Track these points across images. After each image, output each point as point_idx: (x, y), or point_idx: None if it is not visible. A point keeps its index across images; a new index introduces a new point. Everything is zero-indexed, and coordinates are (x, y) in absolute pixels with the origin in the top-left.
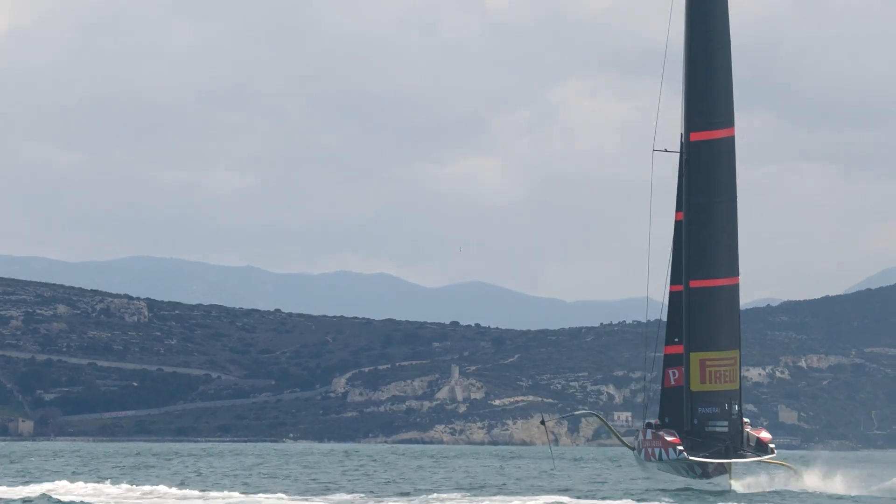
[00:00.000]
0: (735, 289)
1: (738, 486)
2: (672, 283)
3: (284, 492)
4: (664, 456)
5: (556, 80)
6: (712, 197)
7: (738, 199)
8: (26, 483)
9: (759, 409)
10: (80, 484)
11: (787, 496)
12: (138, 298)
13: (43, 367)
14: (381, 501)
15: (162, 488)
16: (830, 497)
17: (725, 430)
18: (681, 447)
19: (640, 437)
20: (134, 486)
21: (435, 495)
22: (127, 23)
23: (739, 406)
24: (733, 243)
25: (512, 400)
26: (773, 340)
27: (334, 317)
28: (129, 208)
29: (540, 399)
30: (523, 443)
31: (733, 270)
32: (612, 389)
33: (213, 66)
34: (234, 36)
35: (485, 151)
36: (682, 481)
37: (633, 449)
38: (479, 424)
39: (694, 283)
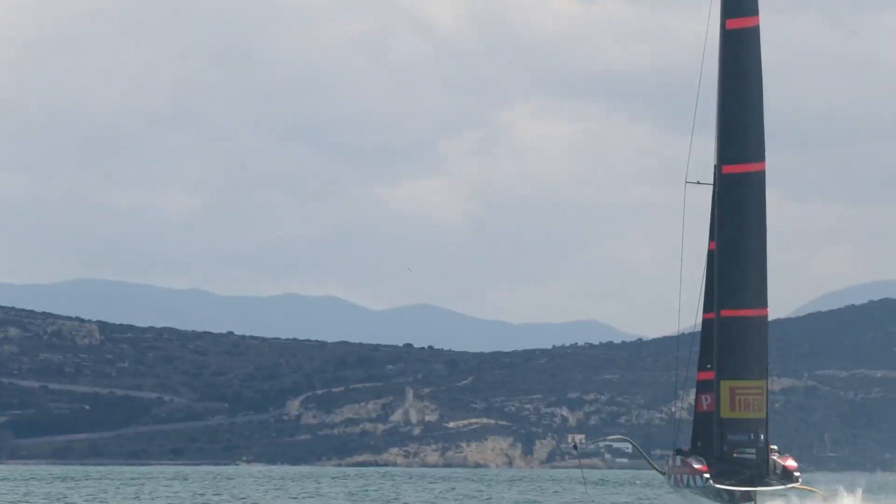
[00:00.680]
0: (764, 320)
1: None
2: (705, 311)
3: None
4: (691, 483)
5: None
6: (743, 230)
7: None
8: None
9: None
10: None
11: None
12: (90, 321)
13: None
14: None
15: None
16: None
17: (753, 457)
18: (707, 475)
19: (670, 462)
20: None
21: None
22: (72, 45)
23: (766, 434)
24: (763, 275)
25: (466, 422)
26: None
27: (287, 339)
28: (74, 230)
29: (494, 421)
30: (477, 465)
31: (762, 302)
32: (565, 412)
33: (161, 89)
34: (183, 58)
35: (433, 174)
36: None
37: (663, 474)
38: (433, 447)
39: (725, 313)
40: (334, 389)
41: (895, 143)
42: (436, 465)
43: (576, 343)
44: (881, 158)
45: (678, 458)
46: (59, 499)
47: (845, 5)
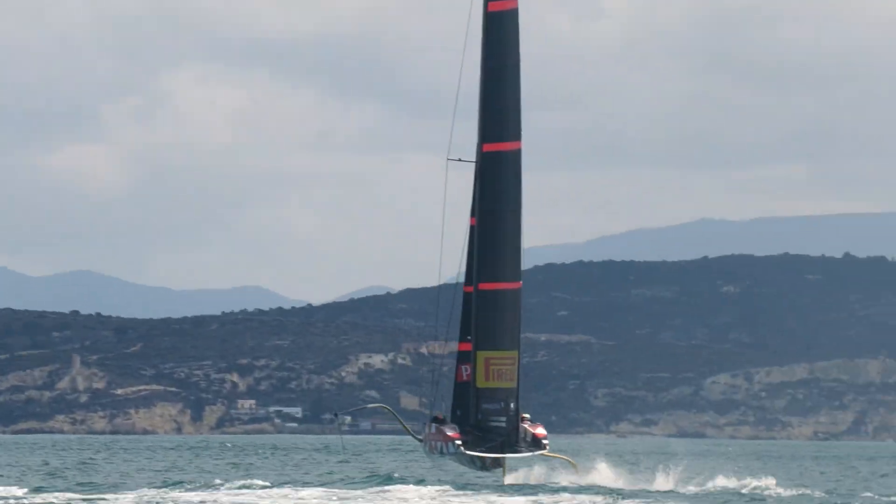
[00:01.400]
0: (518, 293)
1: (510, 479)
2: (465, 284)
3: None
4: (444, 450)
5: (169, 67)
6: (500, 205)
7: None
8: None
9: (382, 395)
10: None
11: (546, 489)
12: None
13: None
14: None
15: None
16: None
17: (504, 425)
18: (458, 442)
19: (427, 430)
20: None
21: None
22: None
23: (516, 403)
24: (517, 250)
25: (135, 389)
26: (394, 328)
27: None
28: None
29: (163, 388)
30: (145, 432)
31: (517, 275)
32: (235, 377)
33: None
34: None
35: (94, 139)
36: (466, 472)
37: (420, 441)
38: (100, 414)
39: (482, 286)
40: None
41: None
42: (103, 433)
43: (245, 309)
44: None
45: (433, 425)
46: None
47: None
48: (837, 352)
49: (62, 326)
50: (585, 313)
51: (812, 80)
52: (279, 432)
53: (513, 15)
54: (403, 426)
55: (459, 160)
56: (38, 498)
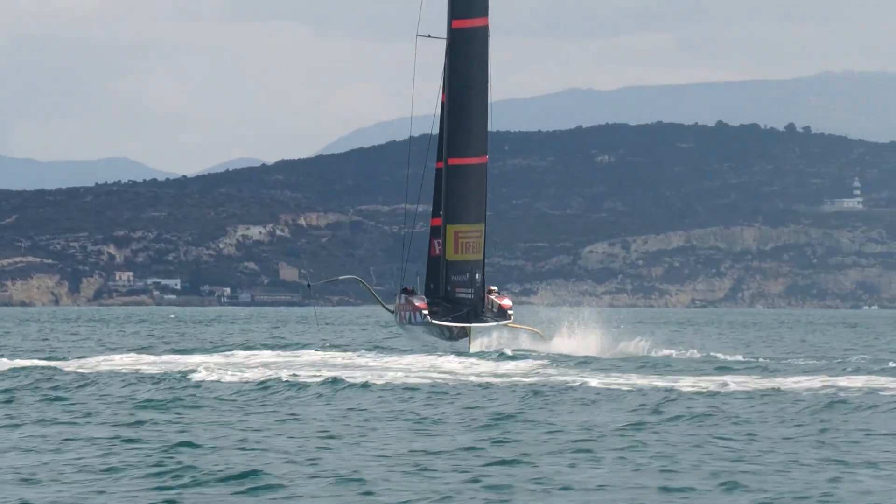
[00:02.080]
0: (484, 167)
1: (474, 347)
2: (438, 160)
3: None
4: (413, 319)
5: None
6: (468, 81)
7: None
8: None
9: (260, 266)
10: None
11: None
12: None
13: None
14: None
15: None
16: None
17: (471, 296)
18: (426, 311)
19: (397, 301)
20: None
21: None
22: None
23: (482, 275)
24: (483, 125)
25: (11, 261)
26: (272, 199)
27: None
28: None
29: (40, 260)
30: (23, 304)
31: (483, 150)
32: (112, 249)
33: None
34: None
35: None
36: (434, 342)
37: (392, 312)
38: None
39: (452, 161)
40: None
41: None
42: None
43: (119, 181)
44: None
45: (403, 296)
46: None
47: None
48: (713, 219)
49: None
50: None
51: None
52: (158, 304)
53: None
54: (377, 299)
55: (429, 36)
56: None
